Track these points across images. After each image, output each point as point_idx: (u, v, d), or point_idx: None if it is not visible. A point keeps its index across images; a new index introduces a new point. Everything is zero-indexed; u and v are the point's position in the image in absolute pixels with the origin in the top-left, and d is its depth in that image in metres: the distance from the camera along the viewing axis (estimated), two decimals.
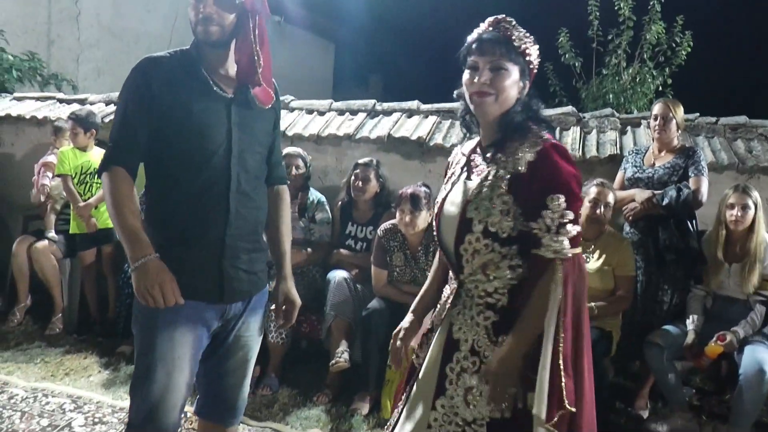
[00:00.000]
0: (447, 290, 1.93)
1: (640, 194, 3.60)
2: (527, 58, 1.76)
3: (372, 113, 4.85)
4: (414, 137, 4.41)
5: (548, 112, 4.18)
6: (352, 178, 4.11)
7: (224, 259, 1.95)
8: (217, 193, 1.93)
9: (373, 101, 4.93)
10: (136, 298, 1.85)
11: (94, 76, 8.99)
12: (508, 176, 1.70)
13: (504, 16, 1.79)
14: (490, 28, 1.78)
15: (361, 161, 4.12)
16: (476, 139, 1.93)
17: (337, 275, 3.87)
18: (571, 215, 1.63)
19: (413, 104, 4.82)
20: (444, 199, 1.89)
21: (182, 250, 1.92)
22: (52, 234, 4.65)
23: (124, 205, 1.85)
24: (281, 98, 5.04)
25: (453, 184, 1.90)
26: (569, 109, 4.52)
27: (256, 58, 1.93)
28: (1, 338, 4.36)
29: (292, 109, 5.09)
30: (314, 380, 3.85)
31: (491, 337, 1.74)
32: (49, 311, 4.62)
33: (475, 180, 1.80)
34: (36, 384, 3.64)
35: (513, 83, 1.73)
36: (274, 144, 2.16)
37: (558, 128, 4.24)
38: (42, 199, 4.76)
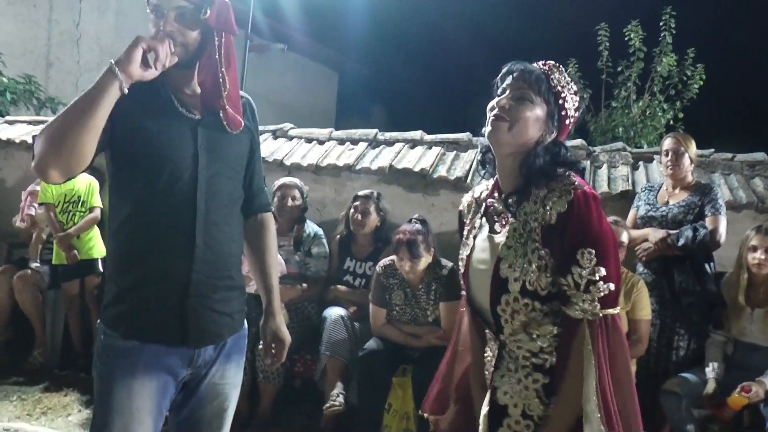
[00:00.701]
0: (488, 352, 1.78)
1: (654, 234, 3.46)
2: (561, 102, 1.64)
3: (373, 143, 4.73)
4: (417, 169, 4.27)
5: None
6: (351, 210, 3.98)
7: (189, 297, 1.78)
8: (182, 224, 1.76)
9: (375, 130, 4.82)
10: (97, 339, 1.72)
11: None
12: (540, 228, 1.58)
13: (554, 63, 1.69)
14: (534, 64, 1.67)
15: (360, 193, 3.99)
16: (490, 182, 1.80)
17: (334, 312, 3.71)
18: (603, 272, 1.49)
19: (416, 134, 4.70)
20: (469, 257, 1.76)
21: (142, 288, 1.76)
22: (36, 264, 4.52)
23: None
24: (281, 125, 5.00)
25: (475, 238, 1.77)
26: (579, 142, 4.40)
27: (220, 80, 1.79)
28: None
29: (291, 138, 4.98)
30: (308, 423, 3.70)
31: (543, 400, 1.61)
32: (29, 344, 4.46)
33: (503, 233, 1.67)
34: (9, 424, 3.46)
35: (534, 119, 1.61)
36: (253, 169, 2.01)
37: None
38: (24, 227, 4.65)
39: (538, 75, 1.62)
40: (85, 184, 4.40)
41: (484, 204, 1.79)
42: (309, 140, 4.91)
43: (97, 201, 4.45)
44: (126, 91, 1.61)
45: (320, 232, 4.09)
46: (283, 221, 4.06)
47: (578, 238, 1.51)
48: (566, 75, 1.67)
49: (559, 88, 1.63)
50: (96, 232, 4.49)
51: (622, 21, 7.34)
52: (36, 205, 4.57)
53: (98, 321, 1.86)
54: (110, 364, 1.76)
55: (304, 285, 3.91)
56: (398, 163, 4.38)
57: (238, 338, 1.96)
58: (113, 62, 1.60)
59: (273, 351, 2.03)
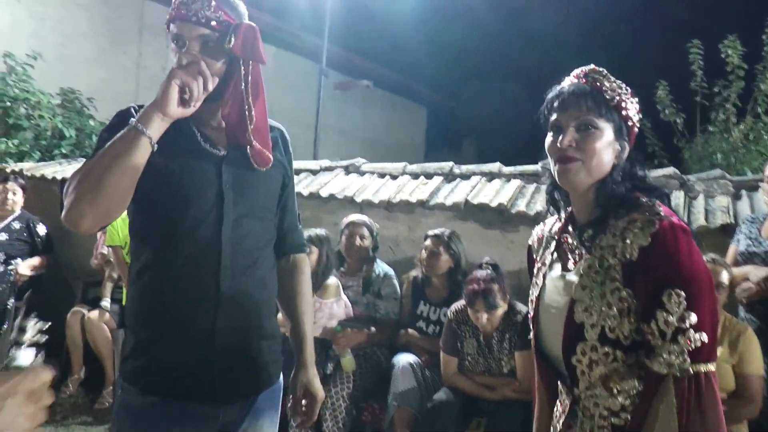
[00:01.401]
0: (558, 407, 1.56)
1: (757, 272, 3.05)
2: (624, 113, 1.45)
3: (449, 177, 4.52)
4: (494, 204, 4.01)
5: None
6: (423, 251, 3.75)
7: (214, 350, 1.62)
8: (205, 271, 1.62)
9: (450, 164, 4.60)
10: (115, 394, 1.63)
11: None
12: (620, 265, 1.37)
13: (593, 66, 1.49)
14: (576, 80, 1.48)
15: (431, 233, 3.77)
16: (563, 214, 1.60)
17: (403, 359, 3.50)
18: (694, 318, 1.27)
19: (494, 167, 4.45)
20: (539, 298, 1.56)
21: (162, 341, 1.63)
22: (105, 302, 4.57)
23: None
24: (353, 161, 4.87)
25: (546, 277, 1.56)
26: (670, 170, 4.01)
27: (247, 112, 1.65)
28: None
29: (363, 173, 4.83)
30: None
31: None
32: (102, 383, 4.47)
33: (576, 271, 1.46)
34: None
35: (606, 145, 1.43)
36: (285, 207, 1.86)
37: None
38: (96, 264, 4.75)
39: (593, 94, 1.44)
40: None
41: (556, 238, 1.58)
42: (382, 175, 4.75)
43: None
44: (155, 147, 1.51)
45: (391, 272, 3.90)
46: (352, 261, 3.90)
47: (664, 277, 1.30)
48: (612, 77, 1.48)
49: (617, 98, 1.45)
50: None
51: (717, 37, 6.84)
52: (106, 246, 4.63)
53: (116, 375, 1.72)
54: (128, 422, 1.64)
55: (373, 328, 3.70)
56: (474, 197, 4.13)
57: (271, 392, 1.78)
58: (136, 123, 1.50)
59: (303, 408, 1.85)
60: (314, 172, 4.99)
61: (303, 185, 4.74)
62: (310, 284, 1.95)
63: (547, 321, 1.53)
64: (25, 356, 0.97)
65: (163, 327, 1.64)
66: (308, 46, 11.19)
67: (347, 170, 4.94)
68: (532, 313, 1.59)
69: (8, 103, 6.74)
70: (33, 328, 1.00)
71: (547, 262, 1.58)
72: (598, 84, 1.45)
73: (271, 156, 1.72)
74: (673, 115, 7.00)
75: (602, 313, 1.36)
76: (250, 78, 1.65)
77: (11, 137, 6.65)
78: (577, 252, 1.49)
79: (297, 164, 5.11)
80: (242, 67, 1.64)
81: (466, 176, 4.47)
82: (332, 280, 3.72)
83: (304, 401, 1.85)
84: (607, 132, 1.43)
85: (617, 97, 1.44)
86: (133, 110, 1.66)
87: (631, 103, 1.46)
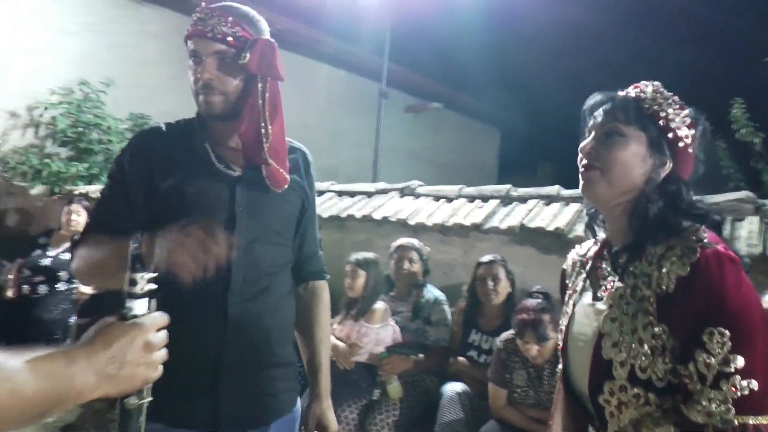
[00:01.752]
0: None
1: None
2: (662, 123, 1.31)
3: (506, 200, 4.37)
4: (551, 228, 3.84)
5: (716, 199, 3.44)
6: (477, 279, 3.60)
7: (221, 379, 1.58)
8: (213, 296, 1.58)
9: (507, 186, 4.46)
10: None
11: None
12: (654, 297, 1.23)
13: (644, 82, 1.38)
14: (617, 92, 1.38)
15: (483, 260, 3.62)
16: (600, 238, 1.47)
17: (450, 389, 3.38)
18: (740, 362, 1.11)
19: (552, 190, 4.28)
20: (568, 327, 1.43)
21: (169, 370, 1.56)
22: None
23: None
24: (409, 183, 4.78)
25: (575, 305, 1.43)
26: (743, 194, 3.74)
27: (263, 131, 1.59)
28: None
29: (418, 196, 4.74)
30: None
31: None
32: None
33: (606, 300, 1.32)
34: None
35: (633, 156, 1.30)
36: (305, 231, 1.80)
37: (730, 218, 3.47)
38: None
39: (625, 101, 1.34)
40: None
41: (589, 263, 1.45)
42: (437, 198, 4.65)
43: None
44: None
45: (442, 297, 3.77)
46: (401, 285, 3.80)
47: (705, 312, 1.14)
48: (661, 89, 1.36)
49: (655, 106, 1.32)
50: None
51: None
52: None
53: None
54: None
55: (421, 355, 3.57)
56: (530, 221, 3.97)
57: (286, 422, 1.73)
58: None
59: None
60: (369, 195, 4.93)
61: (356, 208, 4.70)
62: (328, 312, 1.91)
63: (575, 353, 1.40)
64: (140, 306, 1.01)
65: (172, 353, 1.58)
66: (377, 69, 11.30)
67: (402, 193, 4.86)
68: (561, 344, 1.46)
69: (81, 129, 7.02)
70: (142, 279, 1.02)
71: (579, 288, 1.45)
72: (638, 93, 1.34)
73: (287, 177, 1.67)
74: (750, 135, 6.59)
75: (632, 350, 1.22)
76: (267, 95, 1.61)
77: (82, 161, 6.91)
78: (609, 279, 1.35)
79: (353, 186, 5.08)
80: (259, 84, 1.60)
81: (523, 199, 4.31)
82: (380, 305, 3.63)
83: None
84: (635, 141, 1.30)
85: (656, 106, 1.32)
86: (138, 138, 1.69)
87: (677, 114, 1.32)
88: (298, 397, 1.83)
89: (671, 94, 1.35)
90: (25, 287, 4.57)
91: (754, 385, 1.10)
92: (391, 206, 4.59)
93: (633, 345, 1.22)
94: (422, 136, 13.09)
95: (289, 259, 1.76)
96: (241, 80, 1.59)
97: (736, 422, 1.10)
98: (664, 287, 1.20)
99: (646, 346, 1.21)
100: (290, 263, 1.76)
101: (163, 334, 1.03)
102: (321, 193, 5.13)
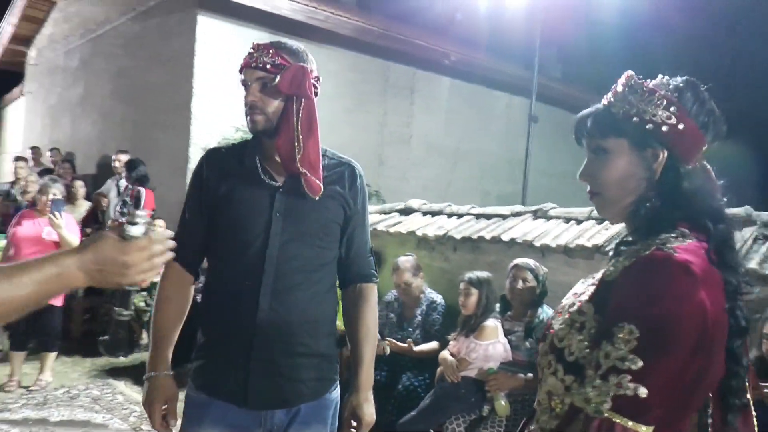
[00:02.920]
0: None
1: None
2: (636, 119, 1.28)
3: None
4: None
5: None
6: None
7: (251, 360, 1.83)
8: (247, 288, 1.84)
9: None
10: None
11: (420, 192, 9.61)
12: (599, 281, 1.28)
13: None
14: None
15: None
16: None
17: None
18: (638, 364, 1.09)
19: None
20: None
21: (213, 346, 1.90)
22: None
23: (161, 309, 1.93)
24: (542, 206, 4.83)
25: None
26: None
27: (295, 143, 1.83)
28: None
29: (549, 218, 4.76)
30: None
31: None
32: None
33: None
34: None
35: (620, 169, 1.30)
36: (351, 237, 2.00)
37: None
38: None
39: (595, 114, 1.34)
40: None
41: None
42: (567, 220, 4.64)
43: None
44: None
45: None
46: (516, 305, 3.89)
47: (626, 307, 1.14)
48: (633, 80, 1.31)
49: (625, 106, 1.29)
50: None
51: None
52: None
53: None
54: (186, 412, 1.91)
55: (530, 375, 3.62)
56: None
57: (317, 407, 1.93)
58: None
59: (352, 430, 1.95)
60: (504, 217, 5.04)
61: (488, 230, 4.83)
62: (374, 312, 2.06)
63: None
64: (137, 230, 1.25)
65: (213, 335, 1.92)
66: (546, 91, 11.22)
67: (535, 215, 4.91)
68: None
69: None
70: (141, 217, 1.26)
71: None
72: (608, 99, 1.34)
73: (321, 185, 1.87)
74: None
75: (564, 321, 1.29)
76: (301, 114, 1.86)
77: None
78: None
79: (489, 209, 5.21)
80: (295, 104, 1.86)
81: None
82: (490, 323, 3.75)
83: (353, 423, 1.94)
84: (617, 152, 1.30)
85: (625, 105, 1.29)
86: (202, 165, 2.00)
87: (646, 100, 1.27)
88: (336, 387, 2.01)
89: (640, 81, 1.31)
90: None
91: (642, 392, 1.08)
92: (520, 228, 4.67)
93: (566, 315, 1.30)
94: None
95: (327, 261, 1.95)
96: (281, 101, 1.86)
97: (605, 415, 1.10)
98: (609, 276, 1.24)
99: (569, 319, 1.28)
100: (330, 264, 1.96)
101: (146, 254, 1.24)
102: (460, 216, 5.33)
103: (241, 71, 1.91)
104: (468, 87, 10.26)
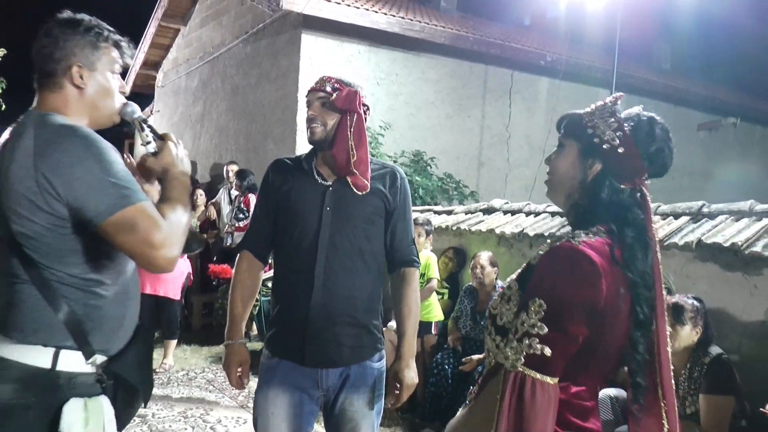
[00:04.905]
0: None
1: None
2: (591, 131, 1.56)
3: (697, 216, 4.46)
4: (727, 244, 3.88)
5: None
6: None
7: (308, 327, 2.23)
8: (305, 270, 2.26)
9: (701, 203, 4.52)
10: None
11: (521, 193, 9.75)
12: (527, 264, 1.61)
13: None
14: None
15: None
16: None
17: (604, 392, 3.67)
18: (544, 330, 1.41)
19: (745, 205, 4.24)
20: None
21: (281, 318, 2.36)
22: None
23: (236, 289, 2.44)
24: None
25: None
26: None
27: (350, 150, 2.26)
28: None
29: None
30: None
31: None
32: None
33: None
34: None
35: (567, 164, 1.61)
36: (395, 230, 2.37)
37: None
38: None
39: (568, 117, 1.64)
40: (425, 258, 5.20)
41: None
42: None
43: (434, 273, 5.27)
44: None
45: None
46: None
47: (538, 286, 1.47)
48: (609, 103, 1.58)
49: (587, 118, 1.58)
50: (433, 298, 5.30)
51: None
52: None
53: None
54: (260, 375, 2.39)
55: None
56: (709, 237, 4.04)
57: (363, 374, 2.32)
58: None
59: (397, 392, 2.33)
60: None
61: (561, 227, 5.12)
62: (416, 293, 2.43)
63: None
64: (152, 146, 1.87)
65: (282, 307, 2.38)
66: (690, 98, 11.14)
67: None
68: None
69: None
70: (148, 136, 1.88)
71: None
72: (586, 109, 1.60)
73: (368, 183, 2.29)
74: None
75: (499, 294, 1.61)
76: (353, 128, 2.28)
77: None
78: None
79: None
80: (348, 119, 2.29)
81: (713, 215, 4.37)
82: None
83: (397, 386, 2.33)
84: (569, 151, 1.59)
85: (588, 118, 1.57)
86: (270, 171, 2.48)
87: (604, 120, 1.54)
88: (381, 358, 2.39)
89: (610, 103, 1.56)
90: None
91: (547, 351, 1.40)
92: None
93: (505, 290, 1.59)
94: (718, 155, 12.34)
95: (373, 248, 2.32)
96: (337, 116, 2.28)
97: (520, 370, 1.41)
98: (533, 261, 1.55)
99: (501, 290, 1.60)
100: (374, 251, 2.33)
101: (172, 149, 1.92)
102: (537, 214, 5.68)
103: (306, 95, 2.36)
104: (567, 86, 10.40)
